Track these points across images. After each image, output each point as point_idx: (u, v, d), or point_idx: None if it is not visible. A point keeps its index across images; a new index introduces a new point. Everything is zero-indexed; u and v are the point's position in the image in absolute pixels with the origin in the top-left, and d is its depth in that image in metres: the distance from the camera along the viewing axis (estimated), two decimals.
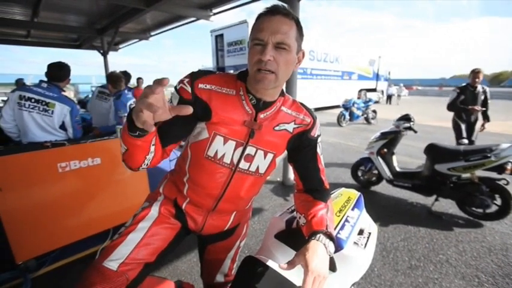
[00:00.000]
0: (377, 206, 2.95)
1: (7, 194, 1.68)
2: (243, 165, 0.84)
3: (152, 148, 0.72)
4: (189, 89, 0.77)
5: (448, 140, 4.20)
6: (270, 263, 0.73)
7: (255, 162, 0.85)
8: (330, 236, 0.73)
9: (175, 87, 0.80)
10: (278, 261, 0.81)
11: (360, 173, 3.53)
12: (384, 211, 2.84)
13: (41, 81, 2.16)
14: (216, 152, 0.82)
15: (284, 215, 0.95)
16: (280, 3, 0.74)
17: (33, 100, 2.05)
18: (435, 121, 9.63)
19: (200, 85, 0.78)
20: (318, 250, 0.68)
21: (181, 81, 0.79)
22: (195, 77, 0.79)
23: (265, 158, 0.86)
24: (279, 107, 0.84)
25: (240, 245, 1.10)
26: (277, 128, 0.83)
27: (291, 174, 3.60)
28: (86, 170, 2.01)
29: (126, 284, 0.75)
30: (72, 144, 1.98)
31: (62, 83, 2.23)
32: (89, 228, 2.11)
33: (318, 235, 0.72)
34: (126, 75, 3.98)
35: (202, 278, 1.15)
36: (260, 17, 0.73)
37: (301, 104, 0.91)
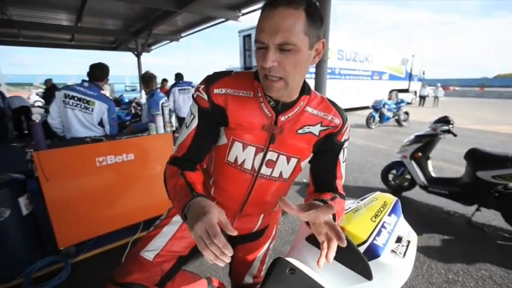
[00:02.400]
0: (409, 213, 2.78)
1: (52, 185, 1.83)
2: (265, 171, 0.80)
3: None
4: (205, 96, 0.74)
5: (490, 145, 3.85)
6: (301, 266, 0.71)
7: (278, 168, 0.81)
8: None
9: (192, 96, 0.78)
10: (309, 264, 0.78)
11: (390, 177, 3.36)
12: (416, 218, 2.67)
13: (83, 80, 2.32)
14: (236, 158, 0.79)
15: None
16: None
17: (76, 98, 2.22)
18: (474, 124, 8.89)
19: (216, 90, 0.73)
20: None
21: (197, 89, 0.75)
22: (209, 82, 0.74)
23: (288, 163, 0.80)
24: (302, 107, 0.75)
25: (270, 247, 1.09)
26: (300, 131, 0.76)
27: None
28: (120, 165, 2.13)
29: (161, 275, 0.77)
30: (109, 140, 2.11)
31: (102, 83, 2.38)
32: (122, 220, 2.23)
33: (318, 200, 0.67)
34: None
35: (231, 278, 1.15)
36: (262, 12, 0.61)
37: (331, 102, 0.81)
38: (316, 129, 0.77)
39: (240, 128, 0.75)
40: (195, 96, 0.76)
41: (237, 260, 1.08)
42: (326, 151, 0.81)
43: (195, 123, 0.76)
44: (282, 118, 0.74)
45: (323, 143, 0.80)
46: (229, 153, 0.79)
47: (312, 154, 0.82)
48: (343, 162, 0.83)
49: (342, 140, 0.80)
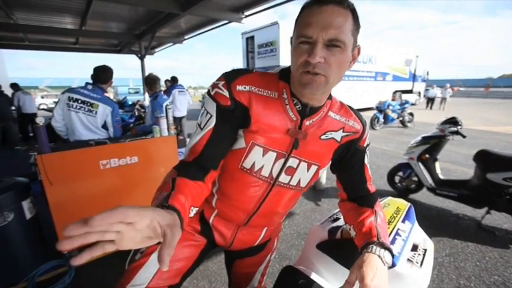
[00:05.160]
0: (417, 216, 2.72)
1: (56, 188, 1.81)
2: (283, 178, 0.75)
3: (193, 212, 0.60)
4: (226, 93, 0.66)
5: (498, 146, 3.78)
6: (314, 276, 0.67)
7: (297, 175, 0.75)
8: (383, 246, 0.64)
9: (208, 93, 0.70)
10: (320, 273, 0.75)
11: (397, 180, 3.30)
12: (424, 222, 2.61)
13: (87, 83, 2.31)
14: (254, 164, 0.72)
15: (326, 223, 0.88)
16: None
17: (79, 101, 2.20)
18: (481, 125, 8.77)
19: (238, 87, 0.66)
20: (373, 263, 0.60)
21: (215, 85, 0.68)
22: (230, 78, 0.67)
23: (308, 170, 0.75)
24: (325, 112, 0.72)
25: (271, 259, 1.03)
26: (323, 136, 0.72)
27: (323, 179, 3.47)
28: (124, 167, 2.11)
29: None
30: (112, 143, 2.09)
31: (106, 85, 2.37)
32: None
33: (371, 246, 0.63)
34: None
35: None
36: (306, 8, 0.59)
37: (350, 107, 0.78)
38: (338, 135, 0.74)
39: (262, 131, 0.69)
40: (212, 93, 0.68)
41: (236, 275, 1.02)
42: (351, 158, 0.79)
43: (212, 123, 0.68)
44: (307, 122, 0.69)
45: (345, 150, 0.77)
46: (246, 159, 0.72)
47: (330, 161, 0.79)
48: (368, 163, 0.83)
49: (365, 145, 0.79)
